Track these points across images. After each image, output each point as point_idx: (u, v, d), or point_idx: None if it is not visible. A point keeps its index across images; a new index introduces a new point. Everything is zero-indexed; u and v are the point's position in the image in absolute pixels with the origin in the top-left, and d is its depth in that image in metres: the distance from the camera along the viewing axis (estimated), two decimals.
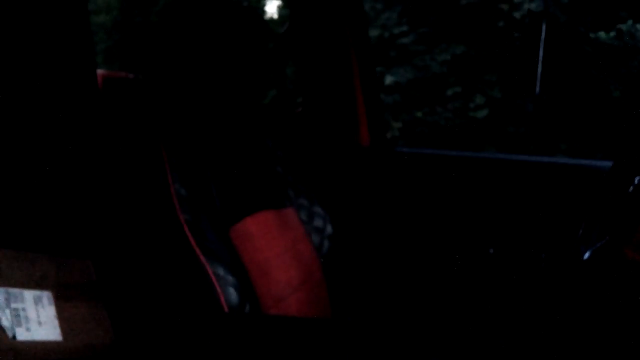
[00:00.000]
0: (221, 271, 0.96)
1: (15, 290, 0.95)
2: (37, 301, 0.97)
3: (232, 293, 0.95)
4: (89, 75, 1.36)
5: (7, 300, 0.93)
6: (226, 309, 0.93)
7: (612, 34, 4.94)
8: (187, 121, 1.11)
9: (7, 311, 0.92)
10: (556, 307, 1.13)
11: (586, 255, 1.01)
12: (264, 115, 1.34)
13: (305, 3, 1.49)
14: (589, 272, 0.99)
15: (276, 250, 1.14)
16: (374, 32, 5.45)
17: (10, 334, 0.90)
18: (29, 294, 0.97)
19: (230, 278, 0.96)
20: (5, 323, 0.90)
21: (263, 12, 8.08)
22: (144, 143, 1.00)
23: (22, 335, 0.91)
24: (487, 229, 1.42)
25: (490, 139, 5.43)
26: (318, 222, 1.31)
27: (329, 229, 1.32)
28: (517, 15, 4.75)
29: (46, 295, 0.99)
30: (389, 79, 5.36)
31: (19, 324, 0.92)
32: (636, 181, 1.00)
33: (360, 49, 1.51)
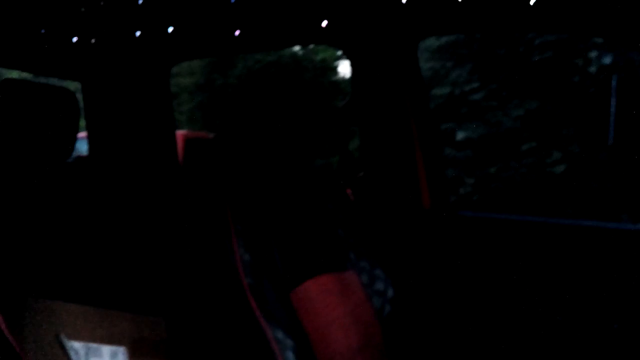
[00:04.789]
0: (280, 335, 1.00)
1: (94, 345, 1.03)
2: (114, 356, 1.05)
3: (291, 357, 0.99)
4: (168, 137, 1.49)
5: (87, 355, 1.01)
6: None
7: None
8: (253, 186, 1.19)
9: None
10: None
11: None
12: (326, 179, 1.40)
13: (366, 72, 1.57)
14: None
15: (336, 314, 1.18)
16: (444, 90, 5.48)
17: None
18: (106, 349, 1.05)
19: (289, 341, 1.01)
20: None
21: (335, 71, 8.36)
22: (212, 208, 1.09)
23: None
24: (551, 297, 1.38)
25: (571, 194, 5.22)
26: (379, 285, 1.33)
27: (390, 292, 1.33)
28: (592, 69, 4.66)
29: (122, 351, 1.07)
30: (460, 135, 5.32)
31: None
32: None
33: (419, 112, 1.56)
